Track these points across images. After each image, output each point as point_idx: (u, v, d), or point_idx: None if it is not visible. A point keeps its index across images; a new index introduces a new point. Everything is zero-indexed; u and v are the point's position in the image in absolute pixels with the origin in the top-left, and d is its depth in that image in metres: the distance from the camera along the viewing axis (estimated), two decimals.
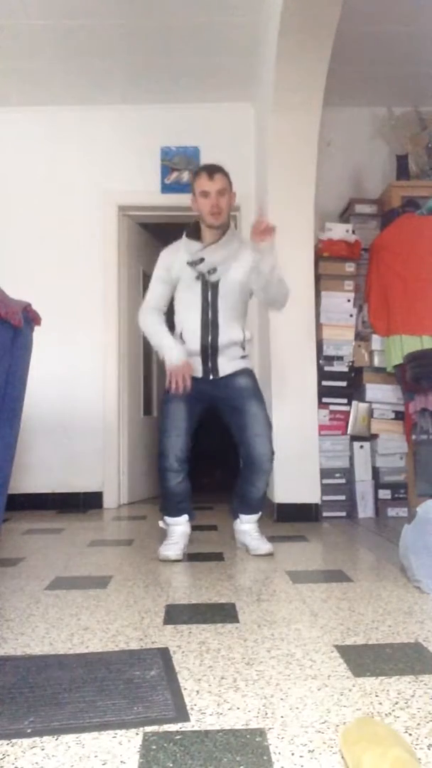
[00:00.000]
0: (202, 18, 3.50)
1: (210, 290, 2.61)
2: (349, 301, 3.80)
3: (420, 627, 1.66)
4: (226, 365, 2.66)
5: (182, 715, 1.16)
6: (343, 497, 3.69)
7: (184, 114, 4.41)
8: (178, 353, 2.59)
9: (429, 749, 1.03)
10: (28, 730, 1.12)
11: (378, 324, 3.75)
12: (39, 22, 3.52)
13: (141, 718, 1.15)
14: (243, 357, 2.71)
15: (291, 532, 3.18)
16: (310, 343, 3.62)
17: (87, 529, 3.43)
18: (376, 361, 3.78)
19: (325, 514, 3.62)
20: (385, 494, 3.72)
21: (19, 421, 2.20)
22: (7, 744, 1.08)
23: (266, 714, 1.17)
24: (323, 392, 3.71)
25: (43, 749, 1.06)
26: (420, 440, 3.60)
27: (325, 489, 3.63)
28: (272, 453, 2.67)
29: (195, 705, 1.21)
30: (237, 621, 1.74)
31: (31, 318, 2.22)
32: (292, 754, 1.02)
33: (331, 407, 3.74)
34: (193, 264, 2.60)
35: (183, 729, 1.11)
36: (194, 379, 2.64)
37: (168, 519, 2.73)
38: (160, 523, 2.81)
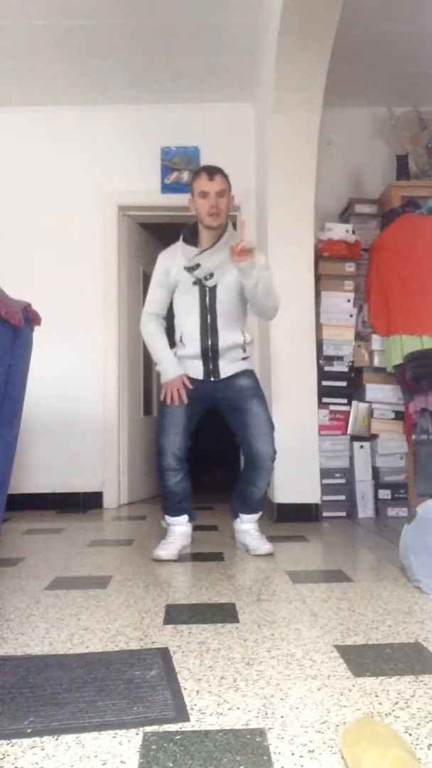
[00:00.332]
0: (202, 18, 3.50)
1: (208, 295, 2.61)
2: (349, 301, 3.80)
3: (420, 627, 1.66)
4: (227, 367, 2.66)
5: (182, 715, 1.16)
6: (343, 497, 3.69)
7: (184, 114, 4.41)
8: (174, 367, 2.64)
9: (429, 749, 1.03)
10: (28, 730, 1.12)
11: (378, 324, 3.75)
12: (39, 22, 3.52)
13: (141, 718, 1.15)
14: (244, 358, 2.72)
15: (291, 532, 3.18)
16: (310, 343, 3.62)
17: (87, 529, 3.42)
18: (376, 361, 3.78)
19: (325, 514, 3.62)
20: (385, 494, 3.72)
21: (19, 421, 2.20)
22: (7, 744, 1.08)
23: (266, 714, 1.17)
24: (323, 392, 3.71)
25: (43, 749, 1.06)
26: (420, 440, 3.60)
27: (325, 489, 3.63)
28: (274, 453, 2.66)
29: (195, 705, 1.21)
30: (237, 621, 1.74)
31: (31, 318, 2.22)
32: (292, 754, 1.02)
33: (331, 407, 3.74)
34: (189, 269, 2.60)
35: (183, 729, 1.11)
36: (195, 380, 2.66)
37: (168, 519, 2.73)
38: (162, 523, 2.81)
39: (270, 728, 1.11)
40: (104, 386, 4.33)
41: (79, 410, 4.28)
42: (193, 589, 2.10)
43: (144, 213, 4.55)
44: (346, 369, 3.77)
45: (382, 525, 3.44)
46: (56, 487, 4.27)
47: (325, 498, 3.63)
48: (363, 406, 3.76)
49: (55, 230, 4.36)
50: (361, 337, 3.83)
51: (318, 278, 3.76)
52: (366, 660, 1.43)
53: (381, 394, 3.77)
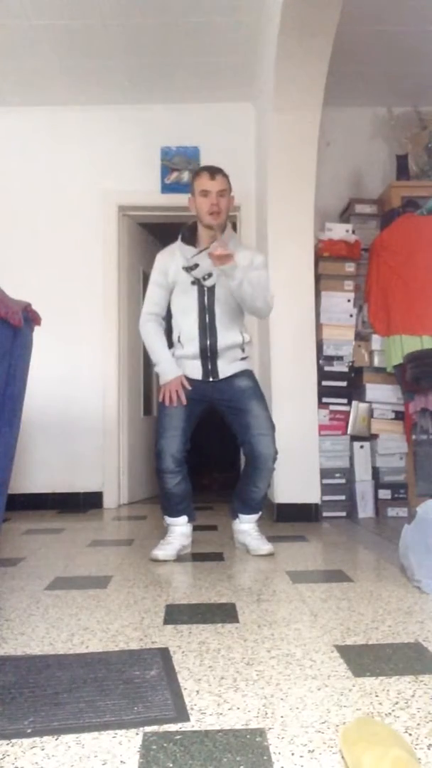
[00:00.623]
0: (202, 18, 3.50)
1: (206, 295, 2.61)
2: (349, 301, 3.80)
3: (420, 627, 1.66)
4: (226, 367, 2.66)
5: (182, 715, 1.16)
6: (343, 497, 3.69)
7: (184, 114, 4.41)
8: (172, 368, 2.64)
9: (429, 749, 1.03)
10: (28, 730, 1.12)
11: (378, 324, 3.75)
12: (39, 22, 3.52)
13: (141, 718, 1.15)
14: (243, 358, 2.71)
15: (291, 532, 3.18)
16: (310, 343, 3.61)
17: (87, 529, 3.43)
18: (376, 361, 3.78)
19: (325, 514, 3.62)
20: (385, 494, 3.72)
21: (19, 421, 2.20)
22: (7, 744, 1.08)
23: (266, 714, 1.17)
24: (323, 392, 3.70)
25: (43, 749, 1.06)
26: (420, 440, 3.60)
27: (325, 489, 3.63)
28: (276, 453, 2.66)
29: (195, 705, 1.21)
30: (237, 621, 1.74)
31: (31, 318, 2.22)
32: (292, 754, 1.02)
33: (331, 407, 3.74)
34: (188, 269, 2.60)
35: (183, 729, 1.11)
36: (194, 381, 2.65)
37: (167, 519, 2.72)
38: (164, 521, 2.81)
39: (270, 728, 1.11)
40: (104, 386, 4.33)
41: (79, 410, 4.29)
42: (193, 589, 2.10)
43: (144, 213, 4.55)
44: (346, 369, 3.77)
45: (382, 525, 3.44)
46: (56, 487, 4.27)
47: (325, 498, 3.63)
48: (363, 406, 3.76)
49: (54, 230, 4.37)
50: (361, 337, 3.83)
51: (318, 278, 3.76)
52: (366, 660, 1.43)
53: (381, 394, 3.77)
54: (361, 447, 3.75)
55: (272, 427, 2.68)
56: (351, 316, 3.79)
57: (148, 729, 1.11)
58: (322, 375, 3.72)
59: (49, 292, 4.09)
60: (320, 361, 3.73)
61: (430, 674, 1.34)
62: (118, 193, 4.40)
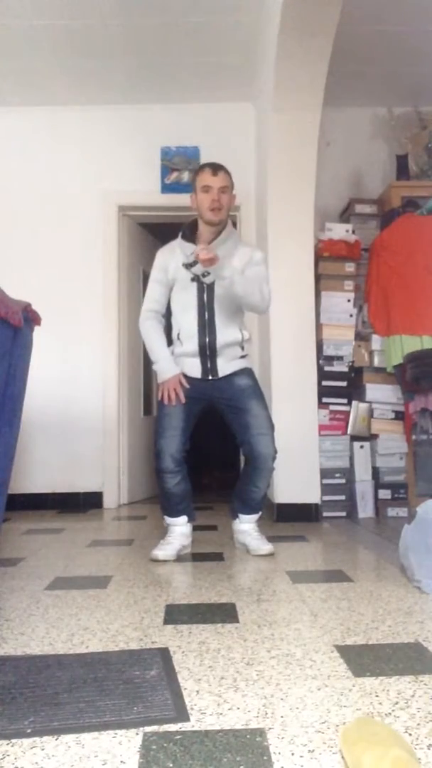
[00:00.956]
0: (202, 18, 3.50)
1: (206, 292, 2.61)
2: (349, 301, 3.80)
3: (420, 627, 1.66)
4: (225, 365, 2.66)
5: (182, 715, 1.16)
6: (343, 497, 3.69)
7: (184, 114, 4.41)
8: (170, 366, 2.63)
9: (429, 749, 1.03)
10: (28, 730, 1.12)
11: (378, 324, 3.75)
12: (39, 22, 3.52)
13: (141, 718, 1.15)
14: (242, 357, 2.71)
15: (291, 532, 3.18)
16: (310, 343, 3.61)
17: (87, 529, 3.42)
18: (376, 361, 3.78)
19: (325, 514, 3.62)
20: (385, 494, 3.72)
21: (19, 421, 2.20)
22: (7, 744, 1.08)
23: (266, 714, 1.17)
24: (323, 392, 3.70)
25: (43, 749, 1.06)
26: (420, 440, 3.60)
27: (325, 489, 3.63)
28: (275, 453, 2.66)
29: (195, 705, 1.21)
30: (237, 621, 1.74)
31: (31, 318, 2.22)
32: (292, 754, 1.02)
33: (331, 407, 3.74)
34: (187, 266, 2.60)
35: (183, 729, 1.11)
36: (193, 379, 2.65)
37: (167, 519, 2.72)
38: (164, 521, 2.80)
39: (270, 728, 1.11)
40: (104, 386, 4.33)
41: (79, 410, 4.29)
42: (193, 589, 2.10)
43: (144, 213, 4.55)
44: (346, 369, 3.77)
45: (382, 525, 3.44)
46: (56, 487, 4.27)
47: (325, 498, 3.63)
48: (363, 406, 3.76)
49: (54, 230, 4.36)
50: (361, 337, 3.83)
51: (318, 278, 3.76)
52: (366, 660, 1.43)
53: (381, 394, 3.77)
54: (361, 447, 3.75)
55: (271, 426, 2.68)
56: (351, 316, 3.80)
57: (148, 729, 1.11)
58: (322, 375, 3.72)
59: (49, 292, 4.09)
60: (320, 361, 3.73)
61: (430, 674, 1.34)
62: (118, 193, 4.40)
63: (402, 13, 3.44)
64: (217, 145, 4.29)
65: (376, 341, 3.77)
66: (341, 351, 3.77)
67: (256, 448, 2.64)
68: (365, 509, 3.68)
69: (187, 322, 2.63)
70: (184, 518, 2.69)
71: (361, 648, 1.51)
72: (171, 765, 0.99)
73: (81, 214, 4.38)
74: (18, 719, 1.16)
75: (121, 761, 1.01)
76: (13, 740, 1.09)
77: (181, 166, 4.38)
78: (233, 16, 3.49)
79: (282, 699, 1.23)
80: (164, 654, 1.48)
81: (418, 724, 1.12)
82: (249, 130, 4.40)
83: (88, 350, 4.33)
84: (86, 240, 4.37)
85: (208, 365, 2.65)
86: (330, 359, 3.76)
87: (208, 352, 2.63)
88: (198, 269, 2.59)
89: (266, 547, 2.64)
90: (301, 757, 1.01)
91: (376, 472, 3.74)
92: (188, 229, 2.67)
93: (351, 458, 3.74)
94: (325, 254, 3.77)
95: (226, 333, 2.63)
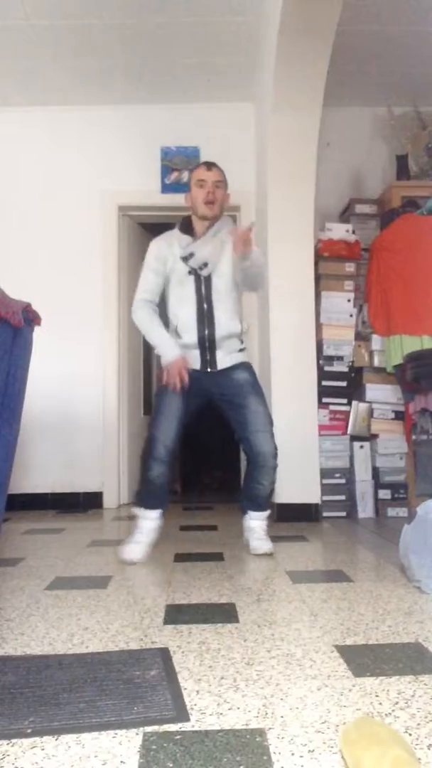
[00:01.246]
0: (202, 18, 3.50)
1: (203, 284, 2.61)
2: (349, 301, 3.80)
3: (420, 627, 1.66)
4: (224, 358, 2.65)
5: (182, 715, 1.16)
6: (343, 497, 3.69)
7: (184, 114, 4.41)
8: (173, 348, 2.58)
9: (429, 749, 1.03)
10: (28, 730, 1.12)
11: (378, 324, 3.75)
12: (39, 22, 3.52)
13: (141, 718, 1.15)
14: (241, 350, 2.70)
15: (291, 532, 3.18)
16: (310, 343, 3.61)
17: (87, 529, 3.42)
18: (376, 361, 3.78)
19: (325, 514, 3.62)
20: (385, 494, 3.72)
21: (19, 421, 2.20)
22: (7, 744, 1.08)
23: (266, 714, 1.17)
24: (323, 392, 3.71)
25: (43, 749, 1.06)
26: (420, 440, 3.59)
27: (325, 489, 3.63)
28: (276, 449, 2.64)
29: (195, 705, 1.21)
30: (237, 621, 1.74)
31: (31, 318, 2.21)
32: (292, 754, 1.02)
33: (331, 407, 3.74)
34: (184, 259, 2.60)
35: (183, 729, 1.11)
36: (192, 372, 2.61)
37: (140, 511, 2.64)
38: (133, 510, 2.73)
39: (270, 728, 1.11)
40: (104, 386, 4.32)
41: (79, 410, 4.28)
42: (193, 589, 2.10)
43: (144, 213, 4.55)
44: (346, 369, 3.77)
45: (382, 525, 3.44)
46: (56, 487, 4.27)
47: (325, 498, 3.63)
48: (363, 406, 3.76)
49: (54, 230, 4.36)
50: (361, 337, 3.83)
51: (318, 278, 3.76)
52: (366, 660, 1.43)
53: (381, 394, 3.78)
54: (361, 447, 3.75)
55: (270, 422, 2.66)
56: (351, 316, 3.80)
57: (148, 729, 1.11)
58: (322, 375, 3.72)
59: (49, 292, 4.09)
60: (320, 361, 3.73)
61: (430, 674, 1.34)
62: (118, 193, 4.40)
63: (402, 13, 3.45)
64: (217, 145, 4.29)
65: (376, 341, 3.77)
66: (341, 351, 3.77)
67: (255, 445, 2.63)
68: (365, 509, 3.68)
69: (185, 315, 2.62)
70: (158, 512, 2.63)
71: (361, 648, 1.51)
72: (171, 765, 0.99)
73: (81, 214, 4.38)
74: (18, 719, 1.16)
75: (121, 761, 1.01)
76: (13, 740, 1.09)
77: (181, 166, 4.38)
78: (233, 16, 3.49)
79: (282, 699, 1.23)
80: (164, 654, 1.48)
81: (418, 724, 1.12)
82: (249, 130, 4.40)
83: (88, 350, 4.33)
84: (86, 240, 4.37)
85: (208, 357, 2.63)
86: (330, 359, 3.76)
87: (207, 344, 2.62)
88: (195, 262, 2.59)
89: (265, 546, 2.63)
90: (301, 757, 1.01)
91: (376, 472, 3.74)
92: (183, 224, 2.69)
93: (351, 458, 3.74)
94: (325, 254, 3.77)
95: (225, 325, 2.62)
